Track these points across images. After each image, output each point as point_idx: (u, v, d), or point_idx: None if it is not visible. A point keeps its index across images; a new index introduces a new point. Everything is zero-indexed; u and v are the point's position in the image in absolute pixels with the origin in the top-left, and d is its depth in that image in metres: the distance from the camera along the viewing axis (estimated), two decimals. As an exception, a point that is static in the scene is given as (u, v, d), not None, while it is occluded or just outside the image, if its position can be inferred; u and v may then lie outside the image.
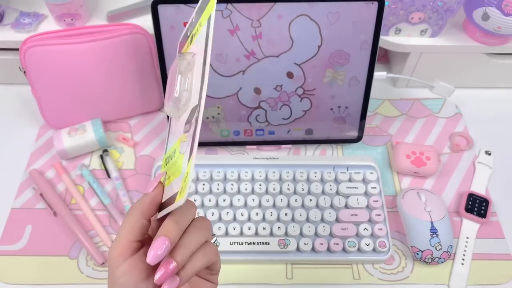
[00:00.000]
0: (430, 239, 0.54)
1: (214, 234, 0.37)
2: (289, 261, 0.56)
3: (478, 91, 0.75)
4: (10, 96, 0.73)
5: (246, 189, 0.59)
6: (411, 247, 0.55)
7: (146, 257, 0.31)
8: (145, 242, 0.34)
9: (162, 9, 0.53)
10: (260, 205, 0.59)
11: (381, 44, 0.62)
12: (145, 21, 0.65)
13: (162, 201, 0.35)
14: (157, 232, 0.32)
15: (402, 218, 0.58)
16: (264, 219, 0.58)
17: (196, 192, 0.59)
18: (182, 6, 0.53)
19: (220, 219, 0.57)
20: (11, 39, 0.65)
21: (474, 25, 0.64)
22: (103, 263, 0.55)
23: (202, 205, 0.59)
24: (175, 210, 0.32)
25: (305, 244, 0.55)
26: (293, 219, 0.58)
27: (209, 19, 0.34)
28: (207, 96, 0.61)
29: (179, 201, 0.31)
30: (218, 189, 0.59)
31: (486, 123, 0.71)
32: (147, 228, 0.34)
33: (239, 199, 0.58)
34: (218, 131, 0.65)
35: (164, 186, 0.35)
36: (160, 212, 0.35)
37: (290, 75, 0.59)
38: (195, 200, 0.58)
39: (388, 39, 0.67)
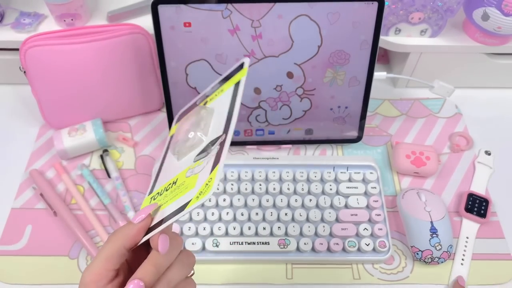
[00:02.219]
0: (430, 239, 0.54)
1: (193, 270, 0.37)
2: (289, 261, 0.56)
3: (478, 91, 0.75)
4: (10, 96, 0.73)
5: (246, 189, 0.59)
6: (411, 247, 0.55)
7: None
8: (120, 269, 0.34)
9: (162, 9, 0.53)
10: (260, 205, 0.59)
11: (381, 44, 0.62)
12: (145, 21, 0.65)
13: (150, 225, 0.34)
14: (135, 272, 0.32)
15: (402, 218, 0.58)
16: (264, 219, 0.58)
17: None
18: (182, 6, 0.53)
19: (220, 219, 0.58)
20: (11, 39, 0.65)
21: (474, 25, 0.64)
22: (103, 263, 0.55)
23: (202, 205, 0.59)
24: (157, 254, 0.33)
25: (305, 244, 0.55)
26: (293, 219, 0.58)
27: (237, 83, 0.37)
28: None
29: (207, 195, 0.30)
30: (218, 189, 0.59)
31: (486, 123, 0.71)
32: (125, 257, 0.34)
33: (239, 199, 0.58)
34: (218, 131, 0.65)
35: (152, 217, 0.35)
36: (150, 234, 0.34)
37: (290, 75, 0.59)
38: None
39: (388, 39, 0.67)
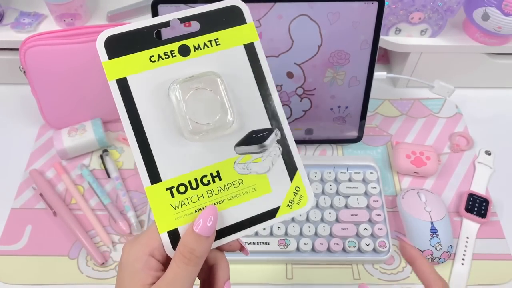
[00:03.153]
0: (430, 239, 0.54)
1: None
2: (289, 261, 0.56)
3: (478, 91, 0.75)
4: (10, 96, 0.73)
5: (246, 189, 0.59)
6: (411, 247, 0.55)
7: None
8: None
9: (162, 9, 0.53)
10: (260, 205, 0.59)
11: (381, 44, 0.62)
12: (145, 21, 0.65)
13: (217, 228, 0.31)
14: (220, 275, 0.34)
15: (402, 218, 0.58)
16: (264, 219, 0.58)
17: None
18: (182, 6, 0.53)
19: (220, 219, 0.57)
20: (11, 39, 0.65)
21: (474, 25, 0.64)
22: (103, 263, 0.55)
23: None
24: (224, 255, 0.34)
25: (305, 244, 0.55)
26: (293, 219, 0.58)
27: (249, 46, 0.32)
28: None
29: (306, 206, 0.30)
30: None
31: (486, 123, 0.71)
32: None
33: (239, 199, 0.58)
34: (218, 131, 0.65)
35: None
36: (226, 239, 0.32)
37: (290, 75, 0.59)
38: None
39: (388, 39, 0.67)
